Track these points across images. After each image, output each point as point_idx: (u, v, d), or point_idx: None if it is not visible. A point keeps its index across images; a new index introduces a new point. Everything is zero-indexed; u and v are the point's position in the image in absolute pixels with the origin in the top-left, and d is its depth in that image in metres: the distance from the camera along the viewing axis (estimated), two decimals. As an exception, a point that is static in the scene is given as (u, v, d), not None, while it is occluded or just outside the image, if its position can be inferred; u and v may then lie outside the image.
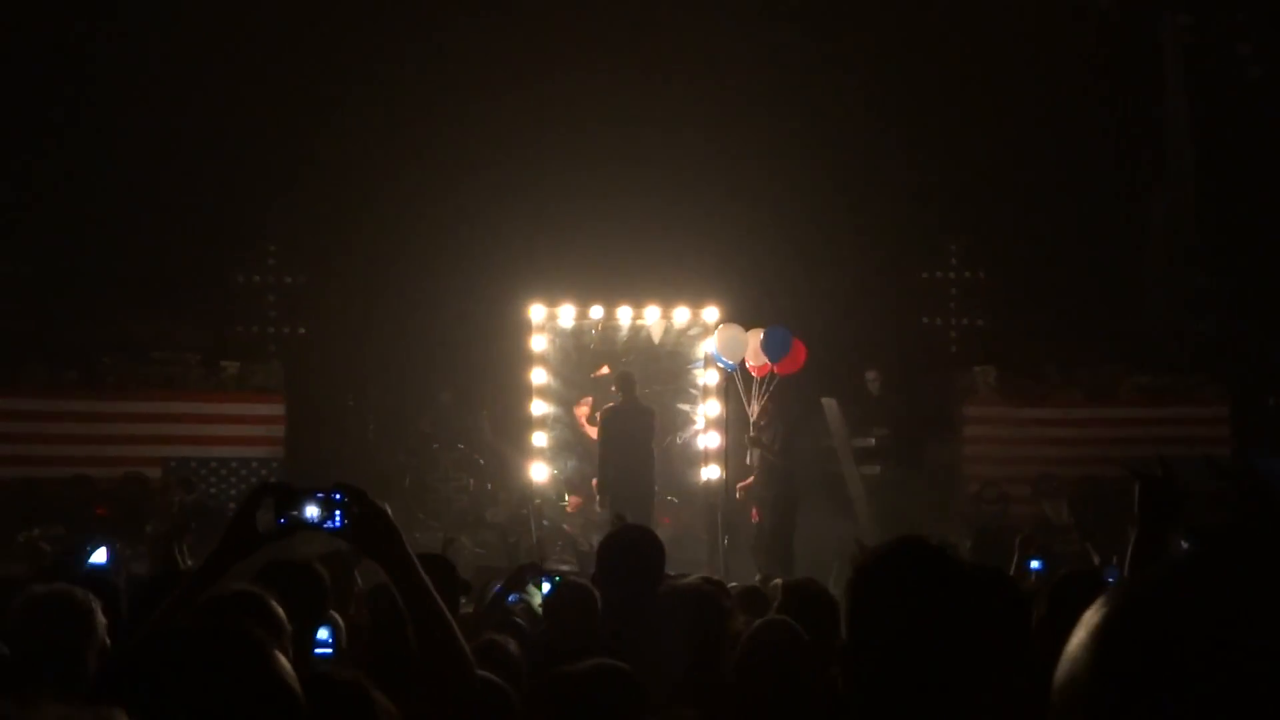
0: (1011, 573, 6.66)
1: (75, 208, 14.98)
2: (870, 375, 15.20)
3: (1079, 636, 1.12)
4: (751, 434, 13.03)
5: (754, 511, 13.55)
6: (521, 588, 5.79)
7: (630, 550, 4.51)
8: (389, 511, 2.70)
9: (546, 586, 5.45)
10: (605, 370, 14.80)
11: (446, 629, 2.67)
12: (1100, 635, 1.11)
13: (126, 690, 1.81)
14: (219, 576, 2.77)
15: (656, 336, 14.65)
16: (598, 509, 13.51)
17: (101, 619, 4.00)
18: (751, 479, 12.91)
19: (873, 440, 14.78)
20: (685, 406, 14.87)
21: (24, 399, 14.58)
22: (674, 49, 15.46)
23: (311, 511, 2.59)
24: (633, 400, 13.10)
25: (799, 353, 12.79)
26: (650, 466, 12.93)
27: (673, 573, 6.80)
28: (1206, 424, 15.24)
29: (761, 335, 12.80)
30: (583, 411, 14.75)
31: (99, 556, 4.89)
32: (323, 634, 4.15)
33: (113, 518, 13.06)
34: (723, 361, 13.15)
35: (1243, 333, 16.04)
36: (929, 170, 15.95)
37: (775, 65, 15.45)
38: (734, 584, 7.30)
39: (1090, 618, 1.12)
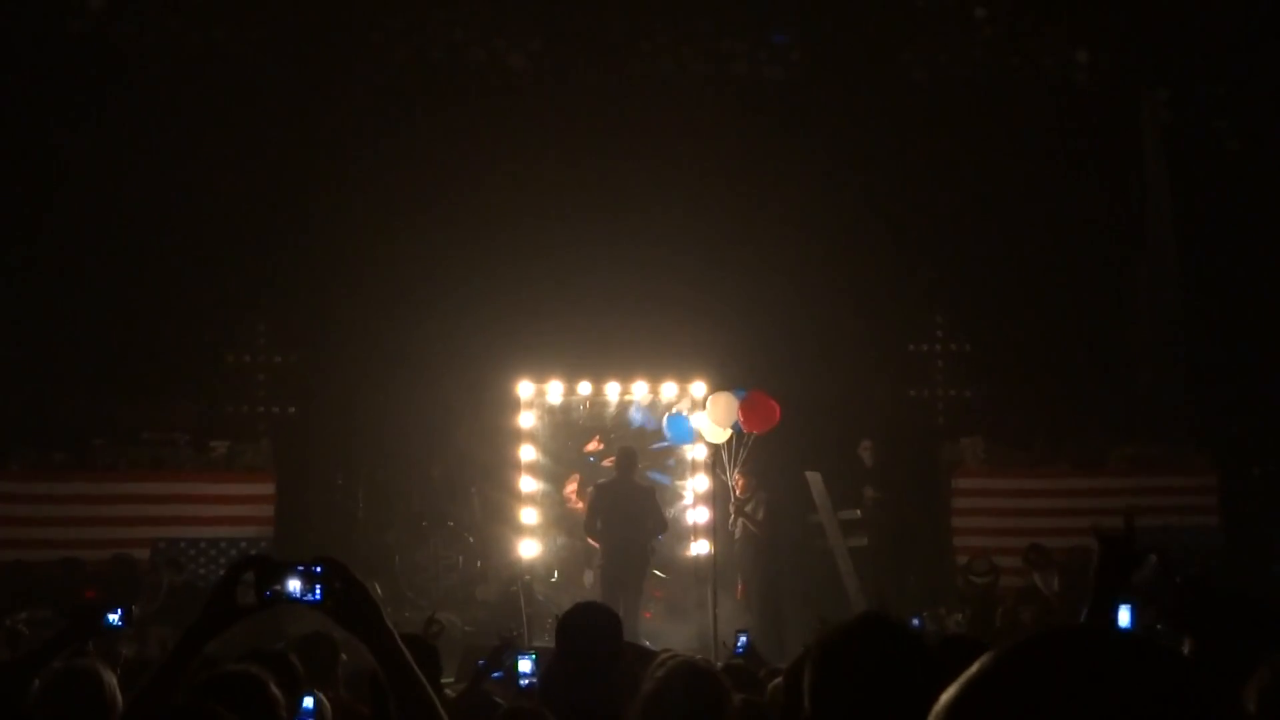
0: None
1: (64, 289, 15.05)
2: (864, 445, 15.29)
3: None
4: (734, 502, 13.12)
5: (739, 588, 13.57)
6: (502, 665, 5.80)
7: (587, 625, 4.58)
8: (378, 589, 2.74)
9: (527, 664, 5.46)
10: (597, 444, 14.82)
11: (428, 705, 2.69)
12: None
13: None
14: (199, 650, 2.79)
15: (638, 419, 14.69)
16: (586, 584, 13.52)
17: (119, 697, 4.05)
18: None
19: (858, 512, 14.79)
20: (676, 481, 14.86)
21: (13, 481, 14.57)
22: (657, 130, 15.63)
23: (293, 585, 2.60)
24: (629, 479, 13.11)
25: (770, 412, 12.88)
26: (644, 546, 12.93)
27: (666, 649, 6.80)
28: (1195, 493, 15.28)
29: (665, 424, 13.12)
30: (572, 489, 14.75)
31: (114, 616, 4.99)
32: (307, 703, 4.19)
33: (102, 600, 12.99)
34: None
35: (1229, 402, 16.11)
36: (913, 243, 16.09)
37: (756, 144, 15.61)
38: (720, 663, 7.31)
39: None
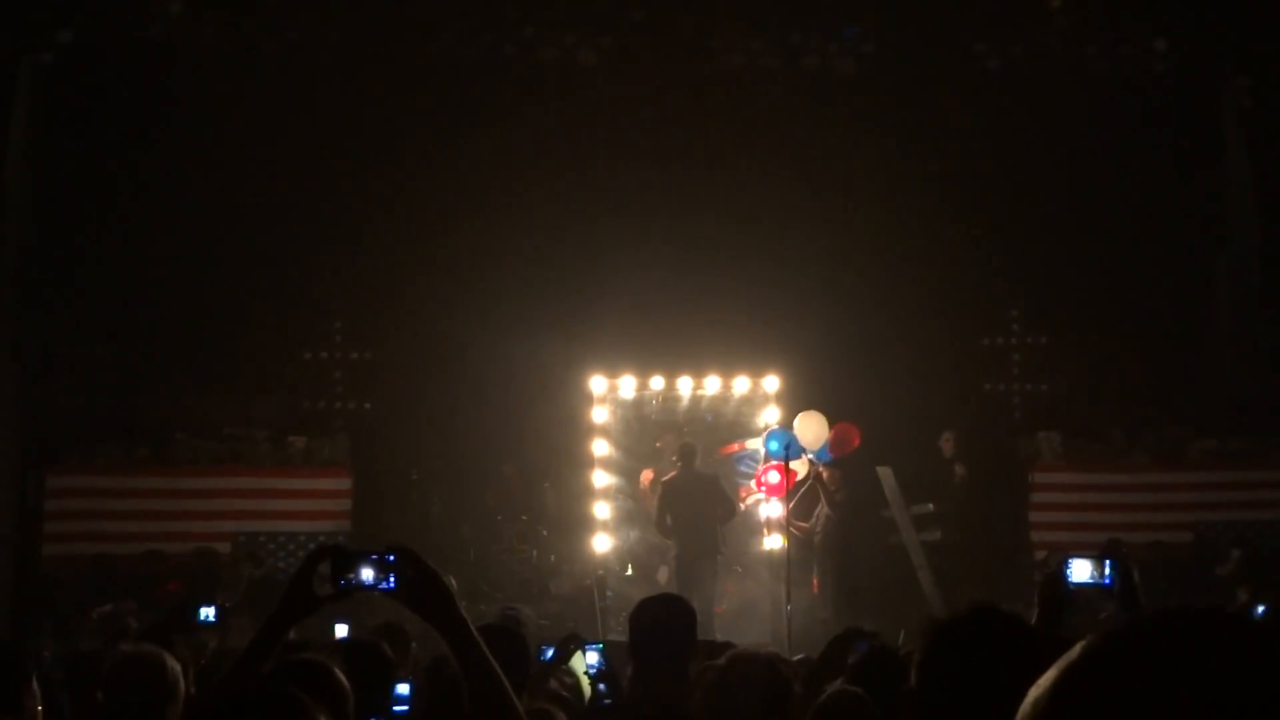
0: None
1: (145, 289, 15.36)
2: (945, 437, 15.17)
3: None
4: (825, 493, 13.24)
5: (815, 584, 13.54)
6: (568, 657, 5.83)
7: (661, 617, 4.52)
8: (453, 582, 2.78)
9: (593, 656, 5.47)
10: (669, 439, 14.84)
11: (501, 693, 2.71)
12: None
13: None
14: (280, 638, 2.85)
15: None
16: (660, 580, 13.58)
17: (182, 682, 4.16)
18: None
19: (930, 506, 14.68)
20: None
21: (98, 476, 14.90)
22: (728, 124, 15.62)
23: (367, 574, 2.65)
24: (692, 471, 13.20)
25: (851, 437, 13.00)
26: (714, 533, 13.02)
27: (737, 642, 6.80)
28: (1277, 487, 14.99)
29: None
30: (647, 476, 14.79)
31: (208, 612, 5.19)
32: (403, 689, 4.28)
33: (184, 593, 13.25)
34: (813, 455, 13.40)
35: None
36: (989, 236, 15.93)
37: (828, 137, 15.53)
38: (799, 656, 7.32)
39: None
